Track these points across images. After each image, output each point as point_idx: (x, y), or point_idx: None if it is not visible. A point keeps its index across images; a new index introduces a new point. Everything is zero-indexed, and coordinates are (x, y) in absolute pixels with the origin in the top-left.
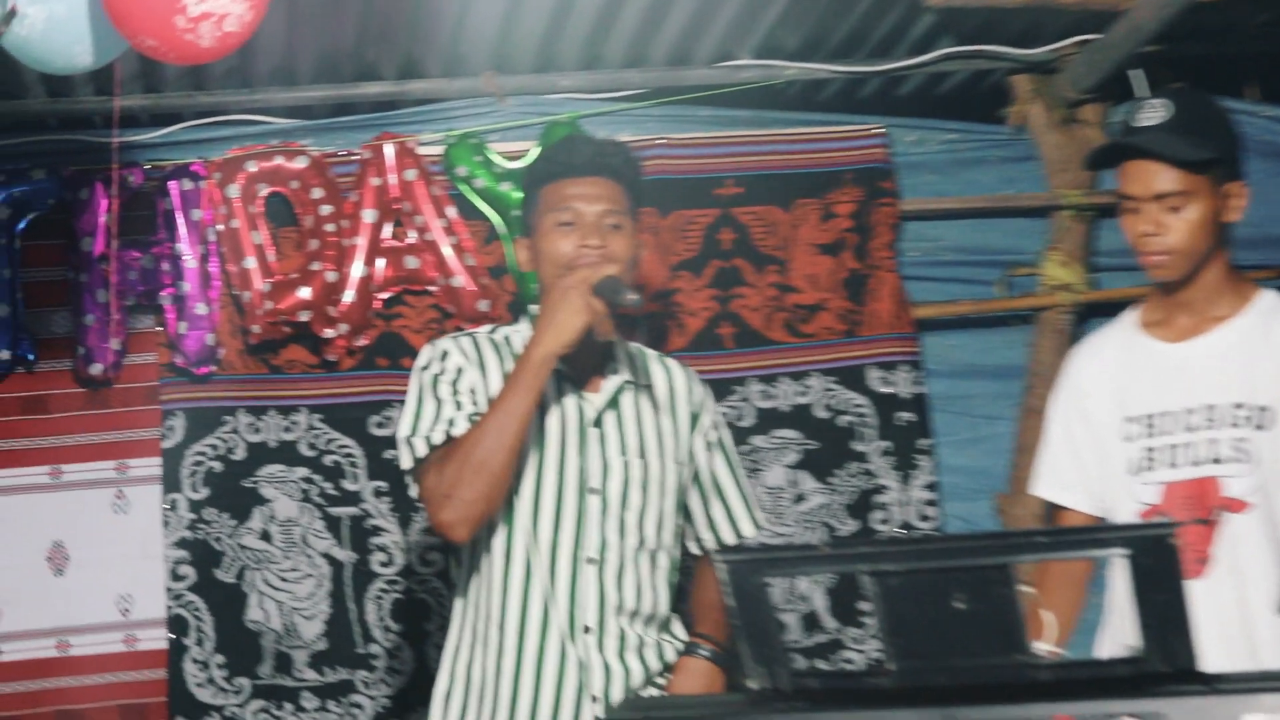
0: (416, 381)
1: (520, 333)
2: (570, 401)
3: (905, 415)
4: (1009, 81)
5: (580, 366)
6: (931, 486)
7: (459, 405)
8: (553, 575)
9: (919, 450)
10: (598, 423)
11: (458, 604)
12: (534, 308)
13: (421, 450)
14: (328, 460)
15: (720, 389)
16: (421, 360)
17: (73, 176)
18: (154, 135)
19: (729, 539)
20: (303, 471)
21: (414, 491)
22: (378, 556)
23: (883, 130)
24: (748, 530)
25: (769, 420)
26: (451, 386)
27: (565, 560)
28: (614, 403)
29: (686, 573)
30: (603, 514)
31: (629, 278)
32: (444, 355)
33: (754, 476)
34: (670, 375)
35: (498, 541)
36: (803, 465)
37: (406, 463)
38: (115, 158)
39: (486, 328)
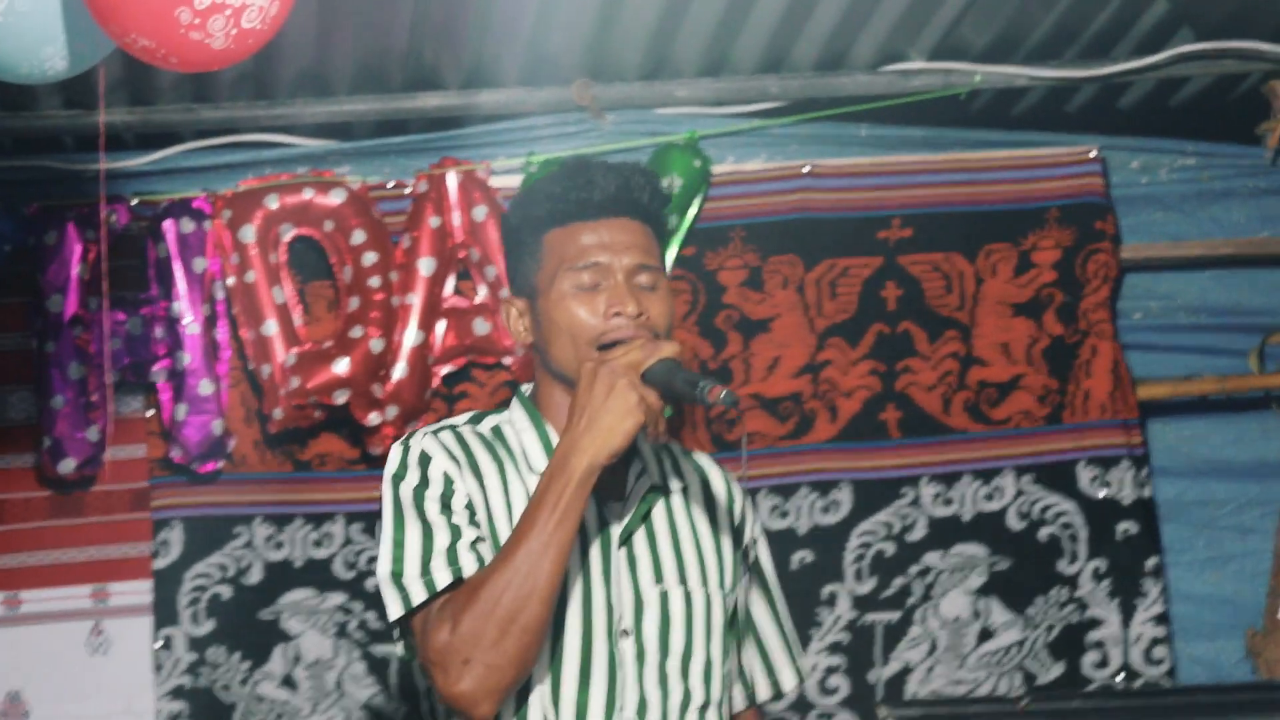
0: (391, 496)
1: (514, 424)
2: (589, 513)
3: (1126, 527)
4: (1267, 89)
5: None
6: (1161, 619)
7: (456, 531)
8: None
9: (1145, 573)
10: (625, 542)
11: None
12: (526, 387)
13: (419, 595)
14: (370, 584)
15: (882, 491)
16: (393, 464)
17: (36, 215)
18: (143, 161)
19: (762, 694)
20: (338, 598)
21: (401, 649)
22: None
23: (1098, 154)
24: (788, 683)
25: (946, 532)
26: (441, 504)
27: None
28: (644, 514)
29: None
30: (639, 663)
31: (685, 357)
32: (423, 459)
33: (927, 605)
34: (705, 476)
35: (506, 708)
36: (991, 591)
37: (396, 610)
38: (100, 189)
39: (464, 416)
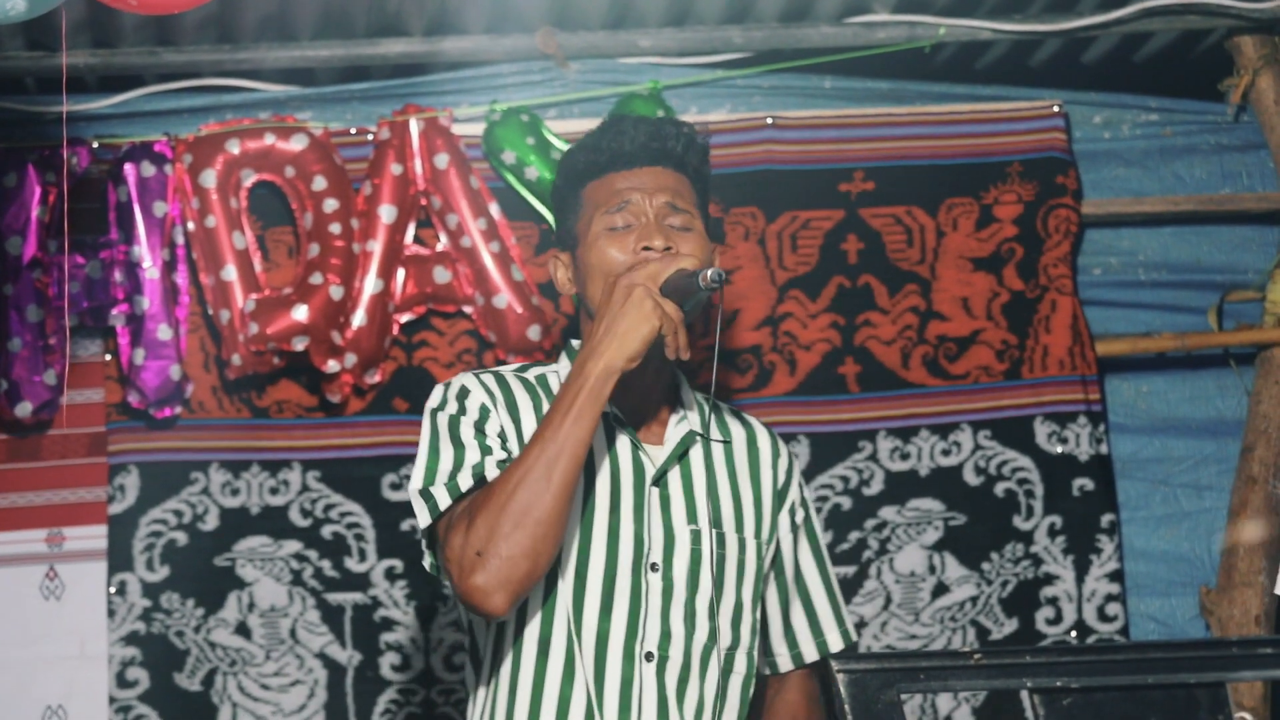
0: (429, 425)
1: (561, 374)
2: (624, 451)
3: (1083, 483)
4: (1231, 45)
5: (637, 408)
6: (1115, 576)
7: (487, 449)
8: (600, 675)
9: (1100, 529)
10: (659, 481)
11: (474, 711)
12: (576, 342)
13: (445, 500)
14: (326, 532)
15: (840, 445)
16: (434, 400)
17: None
18: (105, 104)
19: (809, 655)
20: (293, 546)
21: (428, 560)
22: (389, 658)
23: (1061, 108)
24: (835, 644)
25: (903, 486)
26: (475, 429)
27: (616, 656)
28: (680, 456)
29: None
30: (665, 597)
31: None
32: (463, 393)
33: (882, 559)
34: (752, 433)
35: (530, 630)
36: (946, 546)
37: (424, 519)
38: (61, 132)
39: (514, 366)
